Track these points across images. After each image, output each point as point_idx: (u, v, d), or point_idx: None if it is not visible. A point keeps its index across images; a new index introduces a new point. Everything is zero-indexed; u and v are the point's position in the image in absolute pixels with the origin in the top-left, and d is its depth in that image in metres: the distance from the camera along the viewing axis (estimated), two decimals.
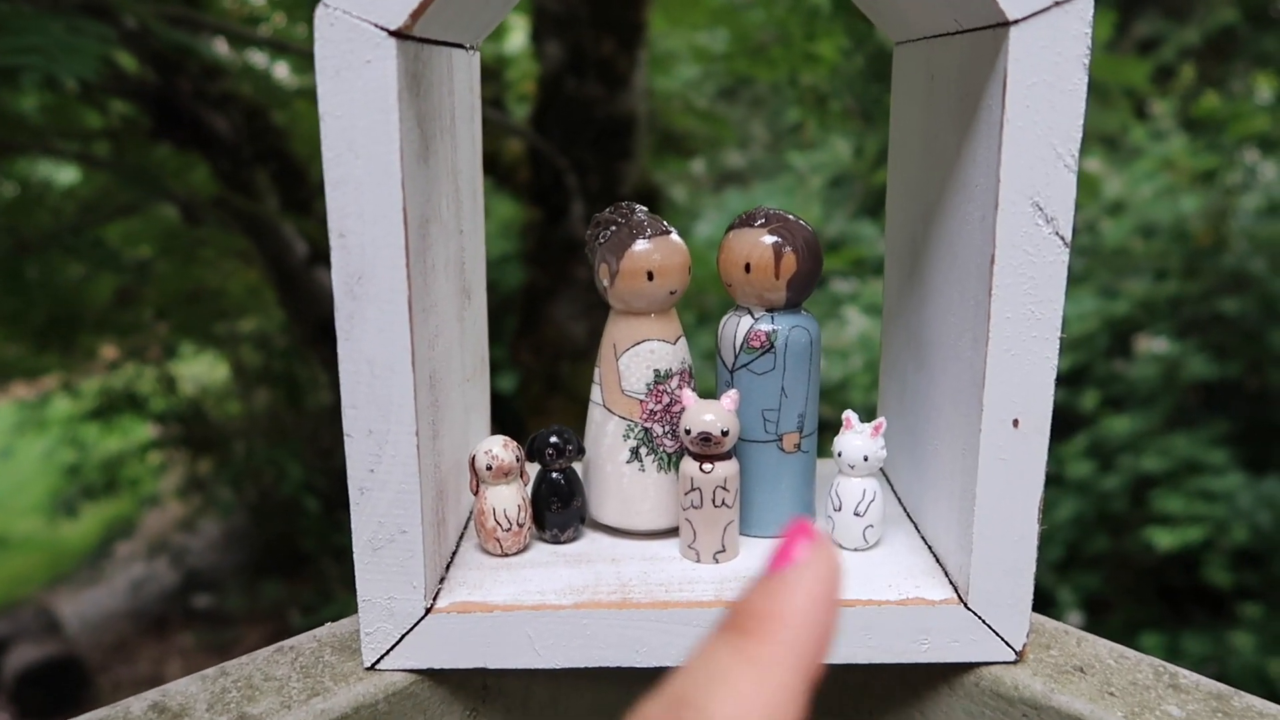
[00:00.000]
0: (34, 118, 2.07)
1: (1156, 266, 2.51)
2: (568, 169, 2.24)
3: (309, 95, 2.40)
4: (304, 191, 2.43)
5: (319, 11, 0.36)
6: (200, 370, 3.49)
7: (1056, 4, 0.36)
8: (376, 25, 0.37)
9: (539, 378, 2.29)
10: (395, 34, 0.37)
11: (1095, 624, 2.12)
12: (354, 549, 0.42)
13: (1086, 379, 2.35)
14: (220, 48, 2.02)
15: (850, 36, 2.13)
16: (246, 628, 2.69)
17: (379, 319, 0.39)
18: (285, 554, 2.78)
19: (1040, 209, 0.38)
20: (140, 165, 2.11)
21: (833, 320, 2.92)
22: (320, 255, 2.38)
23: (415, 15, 0.37)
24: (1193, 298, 2.39)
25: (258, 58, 2.30)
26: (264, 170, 2.35)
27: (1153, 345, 2.40)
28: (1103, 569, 2.21)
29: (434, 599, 0.44)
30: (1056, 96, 0.37)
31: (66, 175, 2.60)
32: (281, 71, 2.49)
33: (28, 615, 2.82)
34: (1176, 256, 2.48)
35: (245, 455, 3.03)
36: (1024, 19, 0.36)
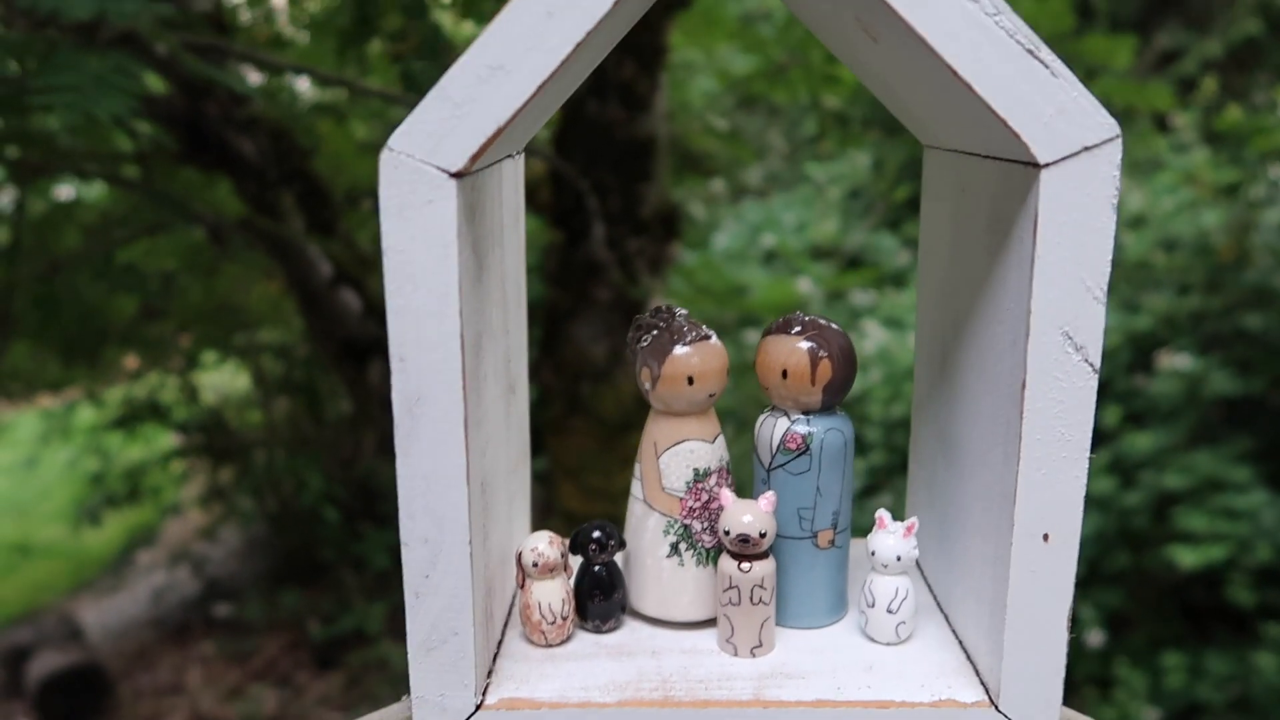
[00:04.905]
0: (63, 139, 2.10)
1: (1179, 281, 2.50)
2: (589, 191, 2.26)
3: (330, 112, 2.42)
4: (328, 212, 2.45)
5: (384, 155, 0.38)
6: (222, 380, 3.53)
7: (1086, 149, 0.38)
8: (439, 168, 0.39)
9: (560, 397, 2.31)
10: (455, 175, 0.39)
11: (1117, 642, 2.11)
12: (409, 648, 0.44)
13: (1108, 394, 2.34)
14: (252, 78, 2.05)
15: None
16: (266, 637, 2.72)
17: (435, 437, 0.42)
18: (305, 563, 2.81)
19: (1070, 338, 0.40)
20: (168, 189, 2.14)
21: (851, 333, 2.91)
22: (344, 276, 2.41)
23: (475, 158, 0.39)
24: (1215, 313, 2.38)
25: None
26: (289, 192, 2.38)
27: (1175, 361, 2.39)
28: (1124, 586, 2.19)
29: (483, 694, 0.46)
30: (1086, 235, 0.39)
31: (91, 191, 2.64)
32: (302, 84, 2.51)
33: (50, 623, 2.86)
34: (1199, 271, 2.47)
35: (266, 465, 3.06)
36: (1054, 163, 0.38)
